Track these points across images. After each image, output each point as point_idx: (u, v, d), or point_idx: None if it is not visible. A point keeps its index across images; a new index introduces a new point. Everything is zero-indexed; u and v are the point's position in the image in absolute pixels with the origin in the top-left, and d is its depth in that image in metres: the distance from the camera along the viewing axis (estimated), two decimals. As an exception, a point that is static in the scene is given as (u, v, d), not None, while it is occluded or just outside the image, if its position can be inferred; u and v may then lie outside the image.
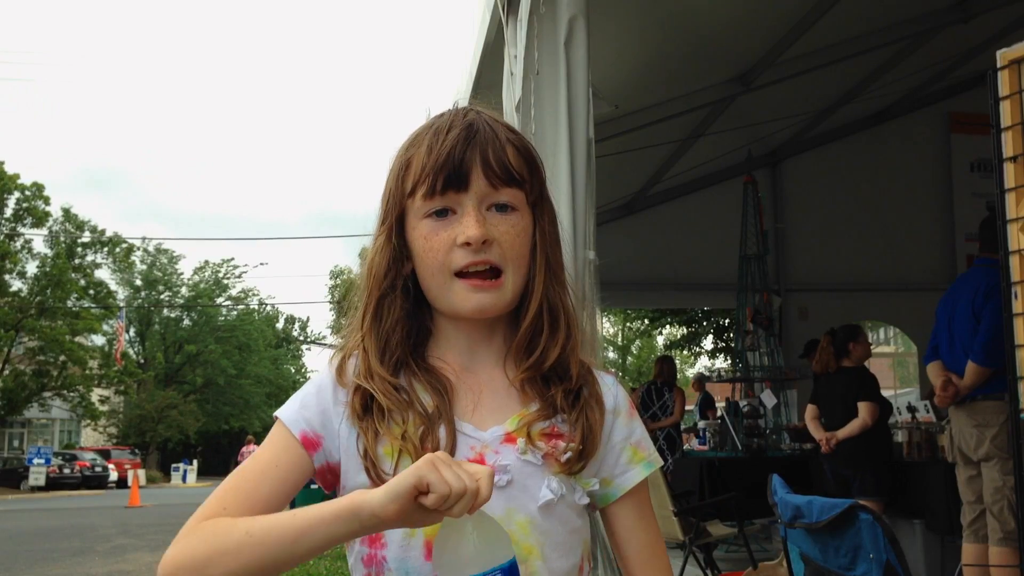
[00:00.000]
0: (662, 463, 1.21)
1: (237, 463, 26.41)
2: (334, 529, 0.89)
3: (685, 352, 20.36)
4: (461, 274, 1.03)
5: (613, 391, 1.14)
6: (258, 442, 26.46)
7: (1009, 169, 2.81)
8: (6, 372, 31.61)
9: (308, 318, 53.64)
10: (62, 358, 32.33)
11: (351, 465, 1.04)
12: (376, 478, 1.02)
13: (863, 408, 5.20)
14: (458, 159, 1.02)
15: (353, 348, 1.10)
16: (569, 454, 1.05)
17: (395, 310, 1.07)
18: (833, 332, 5.57)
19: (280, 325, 51.09)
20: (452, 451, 1.01)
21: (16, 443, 37.93)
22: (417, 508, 0.85)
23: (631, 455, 1.13)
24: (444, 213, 1.03)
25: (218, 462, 45.85)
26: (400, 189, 1.06)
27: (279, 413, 1.08)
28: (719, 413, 8.57)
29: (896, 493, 5.20)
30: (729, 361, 14.09)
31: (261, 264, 61.25)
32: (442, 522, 0.87)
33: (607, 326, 27.05)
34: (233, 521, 0.94)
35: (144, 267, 43.42)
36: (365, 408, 1.04)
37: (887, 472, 5.24)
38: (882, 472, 5.21)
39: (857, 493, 5.08)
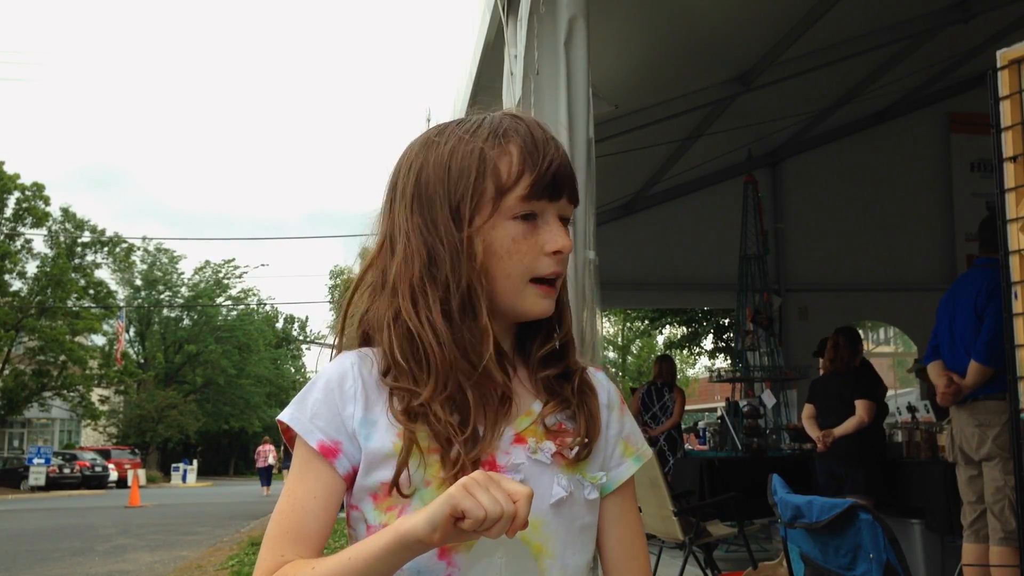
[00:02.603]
0: (651, 455, 1.22)
1: (253, 462, 26.45)
2: (389, 562, 0.92)
3: (685, 352, 20.36)
4: (534, 279, 1.06)
5: (606, 387, 1.16)
6: (273, 441, 26.60)
7: (1009, 169, 2.81)
8: (6, 372, 31.62)
9: (308, 318, 53.73)
10: (62, 358, 32.35)
11: (361, 465, 1.04)
12: (381, 478, 1.02)
13: (861, 406, 5.28)
14: (563, 171, 1.06)
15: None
16: (576, 448, 1.06)
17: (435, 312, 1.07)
18: (843, 331, 5.67)
19: (280, 325, 51.13)
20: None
21: (16, 443, 37.94)
22: (459, 531, 0.87)
23: (623, 449, 1.15)
24: (531, 217, 1.05)
25: (218, 462, 45.88)
26: (480, 187, 1.04)
27: (288, 420, 1.06)
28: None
29: (887, 492, 5.25)
30: (729, 361, 14.09)
31: (262, 265, 61.41)
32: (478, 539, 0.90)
33: (607, 326, 27.05)
34: None
35: (144, 267, 43.46)
36: (400, 412, 1.04)
37: (879, 471, 5.32)
38: (874, 470, 5.29)
39: (848, 491, 5.15)
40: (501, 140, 1.06)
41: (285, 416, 1.06)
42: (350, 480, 1.05)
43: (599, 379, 1.16)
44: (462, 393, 1.02)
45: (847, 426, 5.28)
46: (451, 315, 1.03)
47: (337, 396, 1.05)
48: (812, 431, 5.55)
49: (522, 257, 1.04)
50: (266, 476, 25.45)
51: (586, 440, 1.07)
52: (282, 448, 25.69)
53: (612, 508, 1.14)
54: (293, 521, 1.02)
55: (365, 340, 1.11)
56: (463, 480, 0.87)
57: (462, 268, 1.03)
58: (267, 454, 25.87)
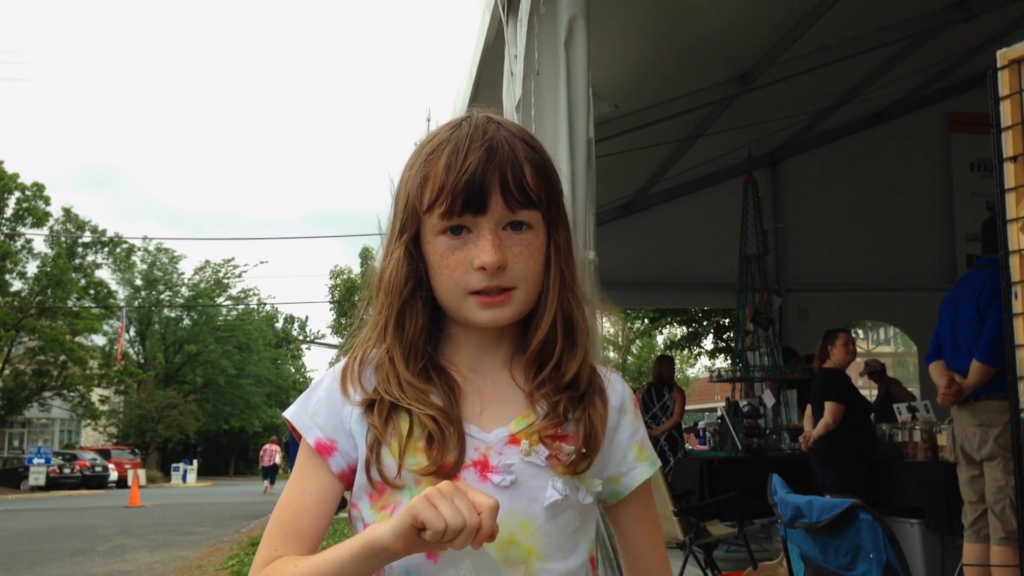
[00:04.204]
0: (660, 464, 1.22)
1: (253, 462, 26.57)
2: (360, 567, 0.93)
3: (685, 352, 20.34)
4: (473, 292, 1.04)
5: (619, 390, 1.15)
6: (279, 441, 26.83)
7: (1009, 169, 2.81)
8: (6, 372, 31.60)
9: (308, 318, 53.77)
10: (62, 358, 32.31)
11: (359, 462, 1.06)
12: (375, 478, 1.03)
13: (826, 408, 5.48)
14: (478, 183, 1.01)
15: (364, 347, 1.11)
16: (573, 456, 1.05)
17: (418, 318, 1.08)
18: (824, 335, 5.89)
19: (280, 325, 51.11)
20: (460, 453, 1.03)
21: (16, 443, 37.90)
22: (423, 540, 0.87)
23: (637, 453, 1.14)
24: (459, 230, 1.04)
25: (218, 462, 45.85)
26: (419, 203, 1.06)
27: (291, 417, 1.09)
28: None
29: (868, 490, 5.30)
30: (729, 361, 14.07)
31: (261, 263, 61.37)
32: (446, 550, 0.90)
33: (608, 326, 27.00)
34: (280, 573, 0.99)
35: (144, 267, 43.43)
36: (375, 408, 1.05)
37: (854, 468, 5.44)
38: (849, 469, 5.42)
39: (828, 490, 5.32)
40: (436, 153, 1.05)
41: (289, 412, 1.10)
42: (348, 478, 1.07)
43: (612, 380, 1.14)
44: (424, 395, 1.05)
45: (818, 428, 5.51)
46: (404, 321, 1.07)
47: (339, 394, 1.08)
48: (805, 430, 5.75)
49: (452, 272, 1.04)
50: (270, 474, 25.78)
51: (583, 451, 1.05)
52: (284, 446, 25.88)
53: (633, 512, 1.15)
54: (288, 517, 1.05)
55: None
56: (427, 491, 0.87)
57: (402, 280, 1.07)
58: (273, 453, 26.19)
